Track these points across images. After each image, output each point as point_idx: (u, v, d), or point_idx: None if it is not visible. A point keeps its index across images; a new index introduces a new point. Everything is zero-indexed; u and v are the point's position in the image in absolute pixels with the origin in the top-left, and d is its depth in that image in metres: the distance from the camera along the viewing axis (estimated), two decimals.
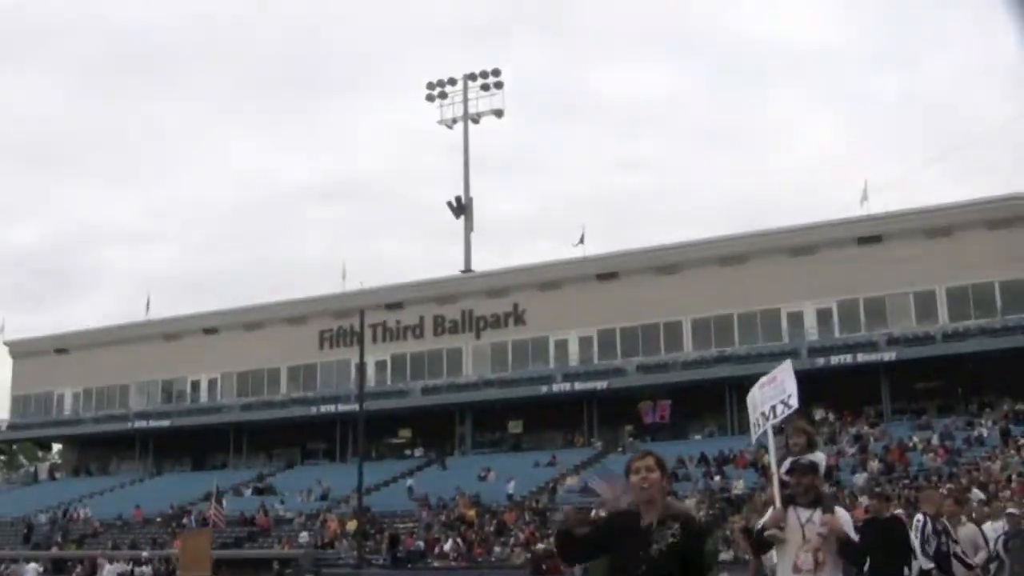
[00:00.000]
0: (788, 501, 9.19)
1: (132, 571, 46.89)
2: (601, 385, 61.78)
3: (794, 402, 9.54)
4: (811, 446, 10.72)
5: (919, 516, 15.13)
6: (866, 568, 15.21)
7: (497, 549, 48.38)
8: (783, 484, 9.42)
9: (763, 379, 10.34)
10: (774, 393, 9.90)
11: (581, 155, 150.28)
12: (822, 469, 9.94)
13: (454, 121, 78.21)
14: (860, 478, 45.53)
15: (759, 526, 9.35)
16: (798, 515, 9.03)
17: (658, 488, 6.80)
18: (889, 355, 55.68)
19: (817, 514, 8.98)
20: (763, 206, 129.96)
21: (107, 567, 47.91)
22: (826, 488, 10.18)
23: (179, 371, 77.59)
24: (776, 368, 10.29)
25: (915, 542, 14.42)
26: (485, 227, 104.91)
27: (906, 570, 14.35)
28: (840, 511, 9.16)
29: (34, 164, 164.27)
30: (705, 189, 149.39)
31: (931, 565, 14.44)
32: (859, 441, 52.19)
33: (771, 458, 9.83)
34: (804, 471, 9.25)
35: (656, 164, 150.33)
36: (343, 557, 51.27)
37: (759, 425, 10.07)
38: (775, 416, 9.73)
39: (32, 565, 53.42)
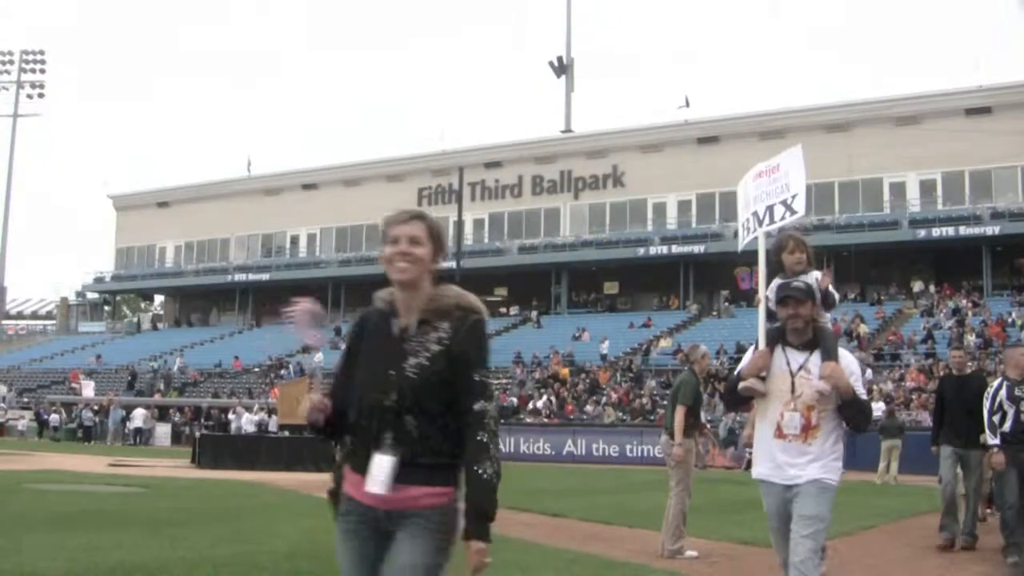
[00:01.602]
0: (775, 340, 6.76)
1: (269, 420, 47.95)
2: (698, 249, 61.58)
3: (800, 207, 7.01)
4: (809, 266, 7.19)
5: (996, 381, 12.62)
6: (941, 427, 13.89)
7: (589, 408, 48.85)
8: (770, 316, 6.93)
9: (760, 166, 7.52)
10: (774, 189, 7.23)
11: (686, 19, 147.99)
12: (819, 294, 6.87)
13: None
14: None
15: (735, 373, 6.99)
16: (787, 360, 6.68)
17: (423, 269, 4.36)
18: (993, 229, 54.70)
19: (814, 359, 6.62)
20: (870, 76, 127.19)
21: (245, 415, 48.87)
22: (826, 321, 6.99)
23: (279, 226, 78.54)
24: (783, 154, 7.36)
25: (985, 412, 12.25)
26: (587, 88, 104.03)
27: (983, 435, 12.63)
28: (845, 355, 6.70)
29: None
30: (811, 56, 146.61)
31: (995, 441, 12.12)
32: (957, 314, 51.71)
33: (761, 280, 7.16)
34: (799, 298, 6.61)
35: (761, 30, 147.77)
36: None
37: (748, 229, 7.50)
38: (772, 221, 7.18)
39: (140, 410, 54.93)
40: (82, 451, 41.55)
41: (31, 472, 25.45)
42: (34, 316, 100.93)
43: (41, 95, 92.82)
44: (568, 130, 73.02)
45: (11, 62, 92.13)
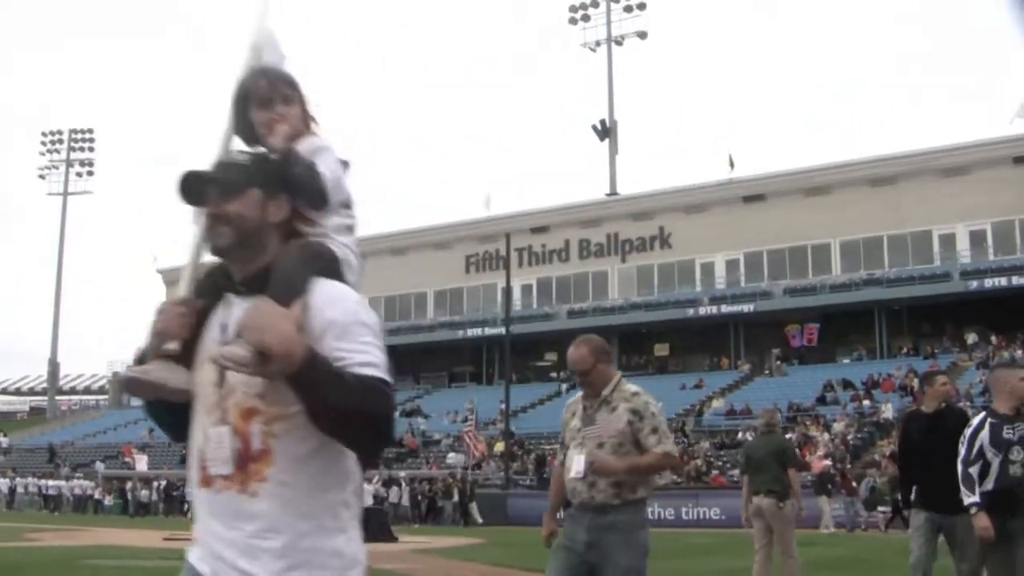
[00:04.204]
0: (217, 286, 3.13)
1: (387, 493, 48.07)
2: (748, 308, 61.30)
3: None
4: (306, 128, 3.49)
5: (976, 418, 8.77)
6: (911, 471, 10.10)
7: None
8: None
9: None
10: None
11: (725, 77, 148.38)
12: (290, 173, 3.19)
13: (597, 44, 77.83)
14: None
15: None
16: (224, 323, 3.05)
17: None
18: None
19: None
20: (913, 128, 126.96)
21: (366, 487, 48.61)
22: (331, 233, 3.26)
23: None
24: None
25: (959, 461, 8.43)
26: (630, 150, 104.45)
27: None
28: (328, 290, 2.99)
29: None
30: (853, 111, 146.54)
31: (973, 499, 8.27)
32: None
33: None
34: (225, 185, 3.04)
35: (803, 87, 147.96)
36: (490, 478, 51.85)
37: None
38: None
39: None
40: (139, 525, 41.55)
41: (86, 547, 25.48)
42: (87, 391, 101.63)
43: (91, 173, 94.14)
44: (613, 193, 73.08)
45: (60, 141, 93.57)
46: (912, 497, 9.92)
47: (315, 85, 3.65)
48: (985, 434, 8.30)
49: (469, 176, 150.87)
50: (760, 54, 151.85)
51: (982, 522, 8.15)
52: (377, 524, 33.25)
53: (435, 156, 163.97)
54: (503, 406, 50.97)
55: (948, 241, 58.27)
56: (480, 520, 44.96)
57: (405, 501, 48.81)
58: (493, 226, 69.44)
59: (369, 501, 43.80)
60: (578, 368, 6.80)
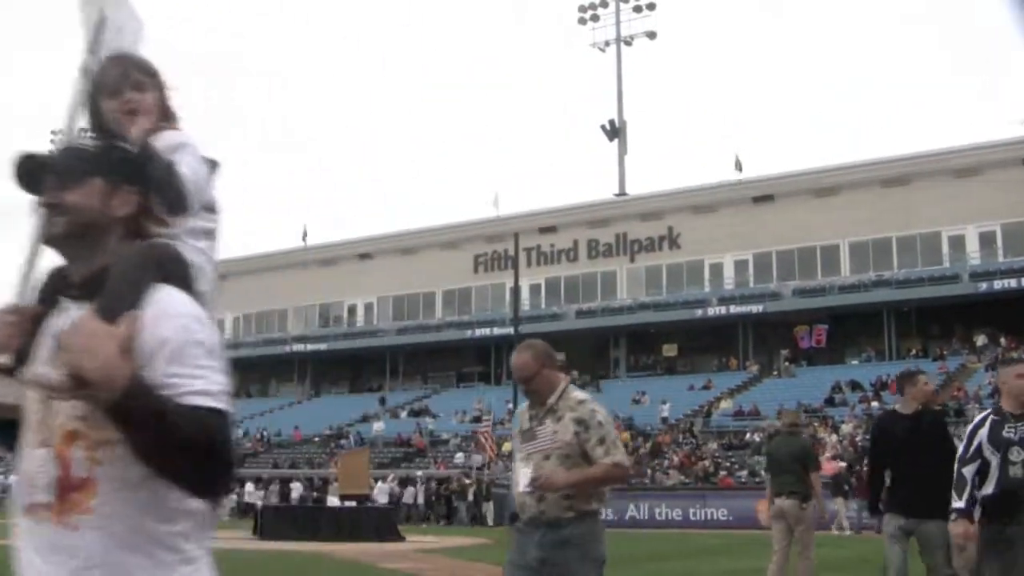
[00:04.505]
0: (54, 291, 2.78)
1: (402, 491, 48.14)
2: (756, 309, 61.21)
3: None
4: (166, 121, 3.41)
5: (980, 415, 8.23)
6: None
7: (650, 472, 48.45)
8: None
9: None
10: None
11: (734, 77, 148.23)
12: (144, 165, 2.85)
13: (607, 44, 77.72)
14: None
15: None
16: (54, 333, 2.58)
17: None
18: None
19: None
20: (922, 129, 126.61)
21: (378, 485, 48.76)
22: (184, 237, 3.02)
23: (336, 296, 78.84)
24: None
25: (956, 461, 7.87)
26: (639, 150, 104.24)
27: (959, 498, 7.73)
28: (165, 302, 2.55)
29: None
30: (861, 111, 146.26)
31: (957, 504, 7.70)
32: None
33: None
34: (62, 171, 2.71)
35: (812, 87, 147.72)
36: (498, 478, 51.78)
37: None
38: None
39: (250, 485, 54.76)
40: None
41: None
42: None
43: None
44: (622, 193, 72.92)
45: None
46: (884, 500, 9.63)
47: (179, 66, 3.38)
48: (984, 431, 7.76)
49: (477, 176, 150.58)
50: (769, 54, 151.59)
51: (958, 528, 7.73)
52: (384, 524, 33.24)
53: (443, 156, 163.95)
54: (511, 406, 50.88)
55: (957, 242, 58.13)
56: (491, 521, 44.94)
57: (420, 500, 48.83)
58: (501, 226, 69.36)
59: (384, 500, 43.94)
60: (521, 375, 6.58)
